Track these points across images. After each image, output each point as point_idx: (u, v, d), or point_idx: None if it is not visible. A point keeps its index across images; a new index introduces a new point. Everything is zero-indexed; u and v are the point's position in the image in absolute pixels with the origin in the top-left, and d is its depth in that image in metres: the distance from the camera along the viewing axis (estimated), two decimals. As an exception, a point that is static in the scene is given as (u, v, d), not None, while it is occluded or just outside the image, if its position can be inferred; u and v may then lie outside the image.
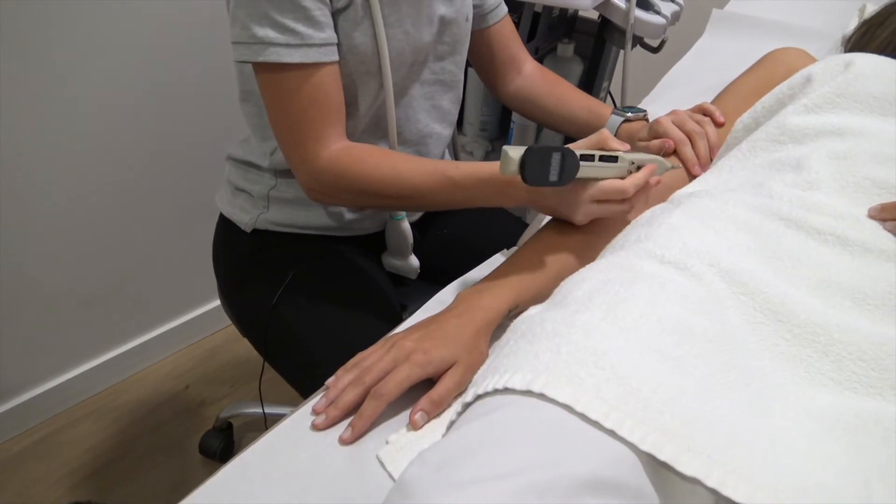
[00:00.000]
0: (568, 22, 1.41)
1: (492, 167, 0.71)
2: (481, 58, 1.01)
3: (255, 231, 0.93)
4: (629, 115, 0.92)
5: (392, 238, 0.93)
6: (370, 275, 0.93)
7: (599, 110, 0.95)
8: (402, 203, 0.81)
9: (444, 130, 0.95)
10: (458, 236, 1.07)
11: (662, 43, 1.27)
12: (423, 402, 0.58)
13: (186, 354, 1.67)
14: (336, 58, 0.74)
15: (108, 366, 1.55)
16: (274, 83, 0.73)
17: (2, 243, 1.26)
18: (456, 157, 1.37)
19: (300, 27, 0.70)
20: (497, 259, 0.82)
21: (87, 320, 1.47)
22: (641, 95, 1.15)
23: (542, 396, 0.42)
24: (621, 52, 1.28)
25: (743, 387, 0.47)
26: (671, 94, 1.08)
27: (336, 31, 0.74)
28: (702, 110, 0.85)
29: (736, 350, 0.49)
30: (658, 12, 1.20)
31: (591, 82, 1.43)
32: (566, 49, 1.39)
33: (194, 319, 1.68)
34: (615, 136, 0.90)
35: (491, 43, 0.99)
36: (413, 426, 0.57)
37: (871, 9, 1.00)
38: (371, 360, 0.60)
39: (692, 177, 0.80)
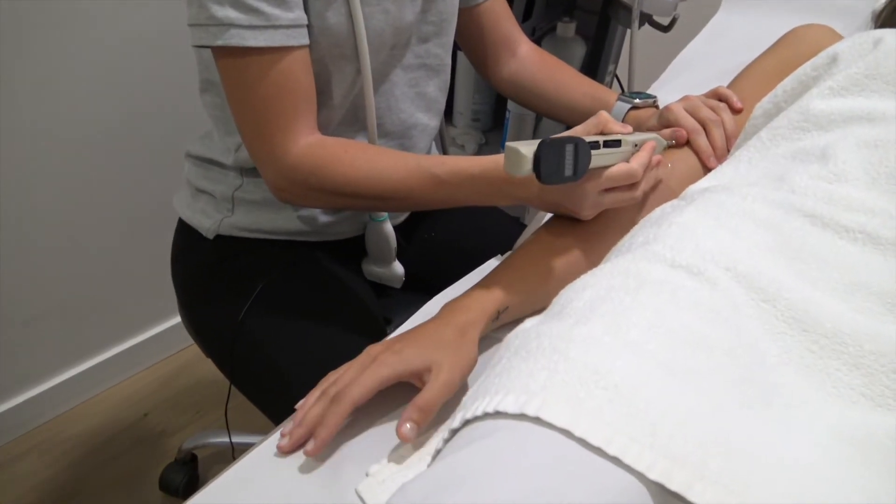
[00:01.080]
0: (569, -3, 1.41)
1: (483, 162, 0.71)
2: (471, 39, 1.01)
3: (219, 237, 0.92)
4: (637, 101, 0.92)
5: (373, 243, 0.93)
6: (349, 285, 0.93)
7: (604, 97, 0.96)
8: (382, 204, 0.81)
9: (431, 121, 0.95)
10: (448, 240, 1.07)
11: (674, 21, 1.27)
12: (410, 410, 0.57)
13: (144, 378, 1.66)
14: (306, 41, 0.74)
15: (55, 392, 1.54)
16: (236, 69, 0.73)
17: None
18: (444, 151, 1.38)
19: (264, 6, 0.70)
20: (490, 265, 0.82)
21: (30, 342, 1.46)
22: (651, 79, 1.15)
23: (537, 420, 0.42)
24: (628, 31, 1.28)
25: (763, 406, 0.47)
26: (683, 79, 1.09)
27: (307, 11, 0.74)
28: (717, 95, 0.85)
29: (755, 364, 0.49)
30: (668, -14, 1.20)
31: (594, 66, 1.43)
32: (567, 29, 1.39)
33: (152, 338, 1.67)
34: (623, 122, 0.91)
35: (481, 22, 0.99)
36: (403, 439, 0.57)
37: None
38: (337, 374, 0.61)
39: (707, 169, 0.80)
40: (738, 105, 0.83)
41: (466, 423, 0.45)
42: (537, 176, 0.61)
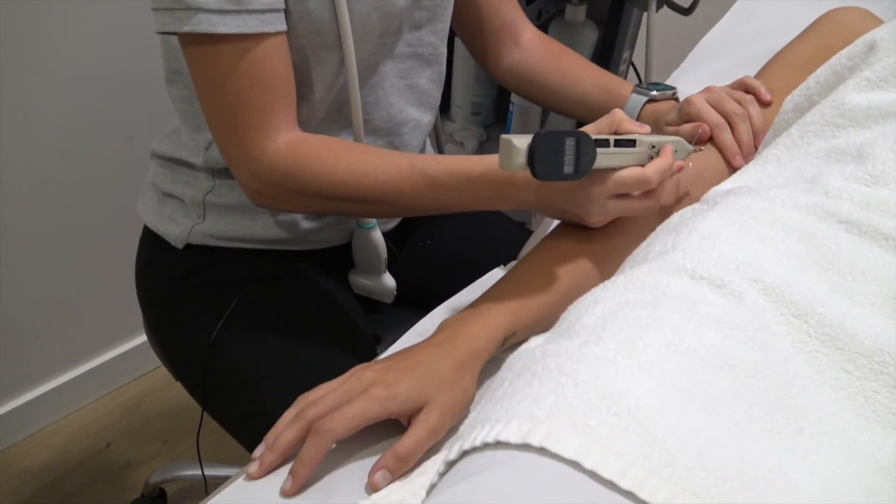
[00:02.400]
0: (577, -23, 1.43)
1: (482, 161, 0.71)
2: (469, 26, 1.03)
3: (189, 246, 0.93)
4: (654, 93, 0.93)
5: (361, 252, 0.94)
6: (334, 299, 0.94)
7: (617, 89, 0.97)
8: (370, 208, 0.82)
9: (424, 116, 0.97)
10: (446, 248, 1.08)
11: (696, 2, 1.30)
12: (387, 457, 0.58)
13: (105, 404, 1.67)
14: (283, 27, 0.75)
15: (4, 422, 1.55)
16: (205, 59, 0.74)
17: None
18: (440, 149, 1.39)
19: None
20: (494, 276, 0.83)
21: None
22: (670, 68, 1.17)
23: (542, 451, 0.43)
24: (645, 15, 1.30)
25: (794, 433, 0.47)
26: (705, 68, 1.10)
27: None
28: (743, 86, 0.86)
29: (785, 387, 0.50)
30: (689, -35, 1.22)
31: (608, 53, 1.46)
32: (576, 12, 1.42)
33: (114, 360, 1.68)
34: (638, 118, 0.92)
35: (480, 7, 1.00)
36: (372, 488, 0.58)
37: (951, -43, 1.03)
38: (319, 393, 0.61)
39: (732, 169, 0.81)
40: (767, 97, 0.84)
41: (464, 454, 0.46)
42: (532, 171, 0.62)
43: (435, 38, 0.93)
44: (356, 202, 0.78)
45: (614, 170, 0.68)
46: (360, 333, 0.93)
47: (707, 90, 0.86)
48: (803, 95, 0.81)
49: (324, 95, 0.84)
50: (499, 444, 0.45)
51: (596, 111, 0.97)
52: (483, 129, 1.61)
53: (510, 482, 0.42)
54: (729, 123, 0.82)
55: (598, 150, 0.65)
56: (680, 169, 0.73)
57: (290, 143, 0.77)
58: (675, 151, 0.73)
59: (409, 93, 0.93)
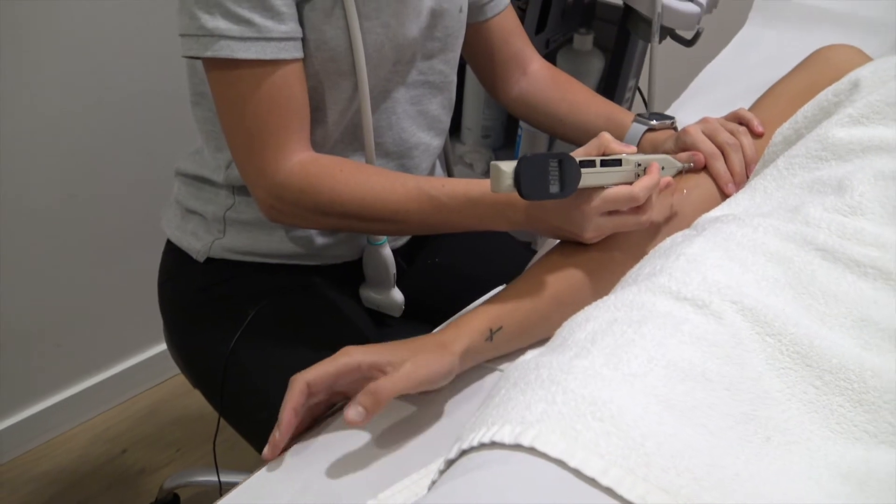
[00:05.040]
0: (586, 8, 1.48)
1: (483, 185, 0.77)
2: (479, 56, 1.08)
3: (210, 260, 0.98)
4: (654, 122, 0.98)
5: (371, 267, 0.98)
6: (345, 313, 0.99)
7: (619, 118, 1.02)
8: (378, 227, 0.87)
9: (433, 140, 1.02)
10: (453, 266, 1.12)
11: (697, 35, 1.34)
12: (361, 394, 0.64)
13: (123, 412, 1.72)
14: (300, 54, 0.81)
15: (24, 427, 1.60)
16: (226, 82, 0.79)
17: None
18: (450, 170, 1.43)
19: (257, 18, 0.76)
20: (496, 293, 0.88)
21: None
22: (673, 97, 1.22)
23: (532, 451, 0.48)
24: (649, 45, 1.35)
25: (762, 441, 0.52)
26: (705, 98, 1.15)
27: (302, 23, 0.81)
28: (737, 118, 0.91)
29: (757, 399, 0.55)
30: (691, -1, 1.27)
31: (614, 80, 1.50)
32: (584, 41, 1.46)
33: (132, 368, 1.73)
34: (638, 146, 0.97)
35: (490, 38, 1.06)
36: (348, 422, 0.63)
37: (942, -4, 1.08)
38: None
39: (725, 196, 0.86)
40: (759, 129, 0.89)
41: (462, 453, 0.51)
42: (519, 192, 0.67)
43: (446, 67, 0.98)
44: (365, 220, 0.83)
45: (603, 188, 0.73)
46: (370, 344, 0.97)
47: (703, 121, 0.91)
48: (791, 129, 0.86)
49: (338, 119, 0.90)
50: (494, 445, 0.50)
51: (585, 137, 1.02)
52: (492, 151, 1.65)
53: (502, 478, 0.47)
54: (722, 153, 0.87)
55: (584, 170, 0.70)
56: (668, 185, 0.78)
57: (303, 163, 0.82)
58: (662, 168, 0.78)
59: (420, 118, 0.98)
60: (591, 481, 0.46)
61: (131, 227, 1.56)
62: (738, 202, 0.81)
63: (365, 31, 0.84)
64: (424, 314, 1.02)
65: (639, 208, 0.75)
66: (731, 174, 0.86)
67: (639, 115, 1.00)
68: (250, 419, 0.94)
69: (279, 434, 0.68)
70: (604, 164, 0.72)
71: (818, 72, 0.92)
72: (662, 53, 1.34)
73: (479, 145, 1.63)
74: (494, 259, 1.13)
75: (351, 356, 0.67)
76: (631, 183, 0.74)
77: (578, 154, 0.73)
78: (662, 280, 0.63)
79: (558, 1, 1.39)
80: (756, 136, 0.89)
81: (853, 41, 1.00)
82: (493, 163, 0.68)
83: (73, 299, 1.57)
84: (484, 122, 1.60)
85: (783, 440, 0.53)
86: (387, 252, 0.97)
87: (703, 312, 0.60)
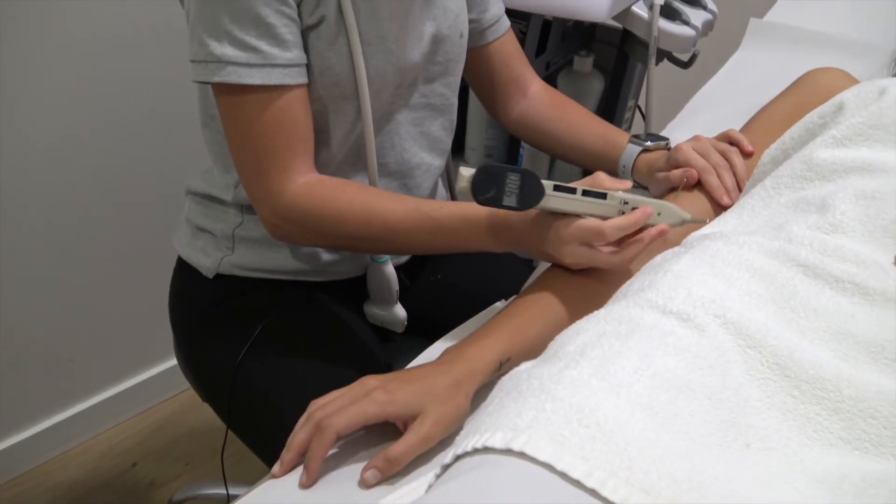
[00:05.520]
0: (585, 31, 1.52)
1: (479, 207, 0.80)
2: (480, 78, 1.12)
3: (219, 276, 1.02)
4: (648, 143, 1.02)
5: (374, 284, 1.02)
6: (350, 328, 1.02)
7: (615, 139, 1.05)
8: (378, 245, 0.91)
9: (435, 160, 1.05)
10: (455, 283, 1.16)
11: (694, 57, 1.38)
12: (379, 458, 0.66)
13: (132, 426, 1.75)
14: (304, 80, 0.85)
15: (35, 441, 1.63)
16: (234, 106, 0.84)
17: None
18: (451, 190, 1.47)
19: (263, 45, 0.80)
20: (496, 309, 0.91)
21: (10, 387, 1.55)
22: (670, 117, 1.25)
23: (522, 455, 0.51)
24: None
25: (741, 447, 0.55)
26: (701, 118, 1.19)
27: (307, 50, 0.85)
28: (728, 138, 0.94)
29: (738, 408, 0.58)
30: (686, 22, 1.32)
31: (613, 101, 1.54)
32: (584, 63, 1.50)
33: (142, 384, 1.77)
34: (633, 167, 1.00)
35: (491, 62, 1.10)
36: (363, 484, 0.65)
37: (929, 19, 1.11)
38: (328, 399, 0.70)
39: (720, 209, 0.89)
40: (749, 148, 0.92)
41: (457, 458, 0.54)
42: (474, 196, 0.72)
43: (447, 90, 1.01)
44: (365, 240, 0.87)
45: (578, 216, 0.75)
46: (374, 359, 1.00)
47: (695, 139, 0.94)
48: (779, 149, 0.89)
49: (342, 141, 0.93)
50: (486, 450, 0.53)
51: (595, 159, 1.05)
52: (495, 170, 1.69)
53: (494, 480, 0.50)
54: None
55: (560, 194, 0.73)
56: (660, 232, 0.76)
57: (307, 184, 0.86)
58: (659, 214, 0.77)
59: (421, 139, 1.02)
60: (577, 483, 0.49)
61: (143, 245, 1.60)
62: (726, 220, 0.84)
63: (367, 56, 0.87)
64: (427, 330, 1.04)
65: (617, 248, 0.76)
66: (725, 190, 0.89)
67: (634, 135, 1.04)
68: (258, 432, 0.97)
69: (290, 456, 0.70)
70: (586, 193, 0.74)
71: (807, 94, 0.95)
72: (661, 74, 1.38)
73: (482, 164, 1.67)
74: (495, 275, 1.16)
75: (374, 402, 0.68)
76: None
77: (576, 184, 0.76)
78: (650, 295, 0.66)
79: (558, 24, 1.43)
80: (746, 155, 0.92)
81: (843, 63, 1.04)
82: (460, 167, 0.73)
83: (85, 315, 1.61)
84: (486, 141, 1.63)
85: (762, 446, 0.56)
86: (389, 269, 1.00)
87: (687, 325, 0.63)
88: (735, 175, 0.90)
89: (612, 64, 1.52)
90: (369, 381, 0.71)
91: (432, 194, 1.11)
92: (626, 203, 0.75)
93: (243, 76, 0.81)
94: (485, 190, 0.72)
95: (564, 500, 0.49)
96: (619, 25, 1.37)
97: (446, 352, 0.76)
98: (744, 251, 0.71)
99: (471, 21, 1.04)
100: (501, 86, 1.12)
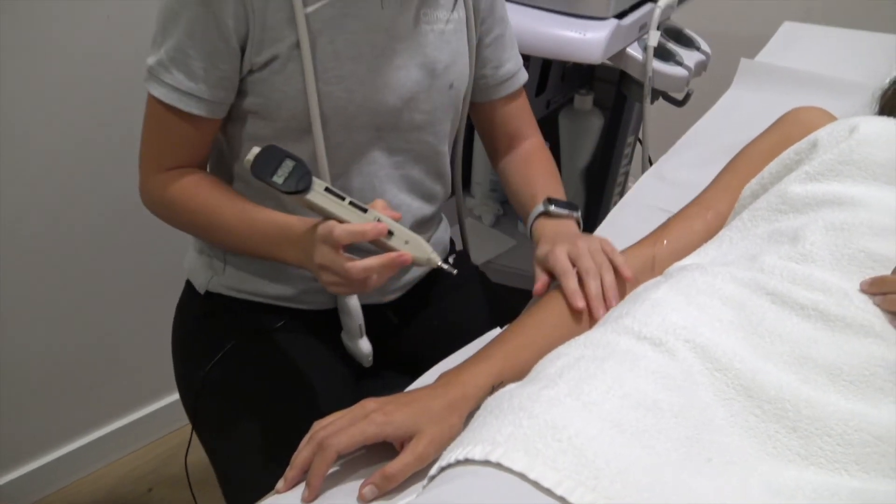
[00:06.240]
0: (585, 70, 1.59)
1: (287, 217, 0.87)
2: (480, 125, 1.17)
3: (209, 294, 1.08)
4: (551, 208, 1.00)
5: (343, 315, 1.04)
6: (321, 356, 1.05)
7: (538, 197, 1.03)
8: (213, 237, 1.00)
9: (415, 202, 1.07)
10: (452, 323, 1.16)
11: (688, 96, 1.44)
12: (377, 475, 0.70)
13: (149, 452, 1.80)
14: (201, 112, 0.92)
15: (52, 468, 1.68)
16: (148, 104, 0.94)
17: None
18: (461, 221, 1.53)
19: (174, 70, 0.89)
20: (493, 335, 0.96)
21: (28, 414, 1.59)
22: (665, 151, 1.31)
23: (499, 466, 0.56)
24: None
25: (704, 461, 0.60)
26: (692, 152, 1.24)
27: (262, 85, 0.92)
28: (609, 255, 0.89)
29: (703, 425, 0.63)
30: (680, 63, 1.38)
31: (613, 137, 1.60)
32: (584, 101, 1.57)
33: (158, 411, 1.82)
34: (531, 227, 1.01)
35: (492, 116, 1.14)
36: (362, 500, 0.69)
37: (912, 59, 1.17)
38: (330, 419, 0.74)
39: (574, 311, 0.85)
40: (627, 274, 0.87)
41: (441, 469, 0.59)
42: (251, 169, 0.78)
43: (433, 139, 1.04)
44: (202, 231, 0.98)
45: (334, 218, 0.80)
46: (334, 387, 1.04)
47: (573, 244, 0.89)
48: (758, 184, 0.94)
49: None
50: (468, 461, 0.58)
51: (523, 214, 1.06)
52: (500, 204, 1.75)
53: (472, 487, 0.56)
54: (581, 276, 0.86)
55: (323, 192, 0.79)
56: (402, 258, 0.79)
57: (172, 176, 0.95)
58: (406, 243, 0.81)
59: (402, 182, 1.04)
60: (548, 491, 0.54)
61: (157, 274, 1.63)
62: (706, 252, 0.89)
63: (324, 94, 0.92)
64: (404, 367, 1.07)
65: (347, 272, 0.79)
66: (588, 297, 0.84)
67: (550, 199, 1.01)
68: (217, 450, 1.01)
69: (293, 473, 0.73)
70: (352, 203, 0.80)
71: (788, 131, 1.00)
72: (657, 111, 1.44)
73: (487, 198, 1.73)
74: (490, 309, 1.19)
75: (373, 423, 0.72)
76: None
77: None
78: (627, 321, 0.72)
79: (557, 64, 1.50)
80: (622, 279, 0.87)
81: (829, 101, 1.09)
82: (253, 146, 0.80)
83: (102, 343, 1.66)
84: (492, 176, 1.70)
85: (723, 460, 0.61)
86: (353, 303, 1.01)
87: (659, 350, 0.68)
88: (603, 288, 0.86)
89: (612, 101, 1.58)
90: (369, 404, 0.75)
91: (435, 234, 1.15)
92: (379, 220, 0.80)
93: (152, 86, 0.91)
94: (261, 164, 0.78)
95: (535, 505, 0.54)
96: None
97: (442, 375, 0.80)
98: (717, 281, 0.76)
99: (482, 76, 1.08)
100: (497, 138, 1.16)
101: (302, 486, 0.74)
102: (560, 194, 1.06)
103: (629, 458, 0.57)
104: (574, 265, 0.87)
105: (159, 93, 0.91)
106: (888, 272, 0.74)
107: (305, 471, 0.73)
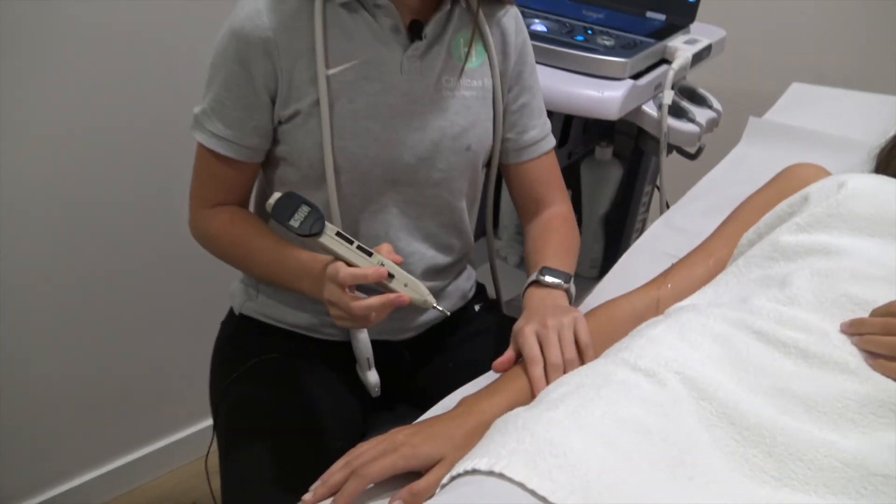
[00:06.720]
0: (605, 124, 1.65)
1: (313, 256, 0.93)
2: (510, 186, 1.18)
3: (242, 316, 1.15)
4: (543, 278, 1.02)
5: (354, 347, 1.07)
6: (334, 385, 1.09)
7: (538, 266, 1.05)
8: (248, 267, 1.09)
9: (430, 252, 1.10)
10: (466, 364, 1.12)
11: (700, 150, 1.49)
12: (404, 491, 0.75)
13: (193, 468, 1.86)
14: (236, 155, 1.00)
15: (106, 479, 1.76)
16: (197, 145, 1.03)
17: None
18: (491, 262, 1.58)
19: (215, 118, 0.98)
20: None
21: (83, 429, 1.68)
22: (678, 199, 1.36)
23: (502, 476, 0.62)
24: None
25: (686, 480, 0.65)
26: (699, 203, 1.29)
27: (287, 136, 0.99)
28: (582, 337, 0.89)
29: (687, 448, 0.68)
30: (692, 120, 1.44)
31: (630, 186, 1.66)
32: (604, 152, 1.63)
33: (204, 430, 1.89)
34: (524, 293, 1.04)
35: (518, 179, 1.15)
36: None
37: (908, 120, 1.21)
38: (363, 449, 0.79)
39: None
40: (589, 360, 0.86)
41: (452, 479, 0.65)
42: (270, 212, 0.86)
43: (449, 196, 1.07)
44: (238, 261, 1.06)
45: (342, 259, 0.86)
46: (344, 414, 1.08)
47: (544, 325, 0.89)
48: (755, 233, 0.99)
49: (326, 215, 0.96)
50: (475, 472, 0.64)
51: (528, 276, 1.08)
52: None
53: (478, 492, 0.61)
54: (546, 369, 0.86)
55: (334, 237, 0.86)
56: (400, 299, 0.85)
57: (216, 211, 1.04)
58: (406, 286, 0.86)
59: (416, 231, 1.08)
60: (543, 499, 0.60)
61: (201, 299, 1.67)
62: (704, 294, 0.94)
63: (339, 148, 0.97)
64: (415, 401, 1.10)
65: (346, 307, 0.85)
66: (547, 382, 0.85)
67: (546, 268, 1.03)
68: (225, 458, 1.05)
69: (322, 490, 0.77)
70: (360, 247, 0.86)
71: (784, 185, 1.04)
72: (671, 163, 1.50)
73: (513, 241, 1.79)
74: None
75: (403, 457, 0.76)
76: None
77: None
78: (624, 355, 0.77)
79: (579, 119, 1.57)
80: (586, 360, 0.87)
81: (829, 158, 1.14)
82: (274, 191, 0.87)
83: (154, 366, 1.74)
84: (517, 220, 1.75)
85: (703, 480, 0.66)
86: (363, 336, 1.05)
87: (651, 380, 0.73)
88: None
89: (630, 153, 1.64)
90: (398, 437, 0.78)
91: (453, 283, 1.18)
92: (382, 265, 0.86)
93: (197, 132, 1.01)
94: (280, 209, 0.85)
95: (531, 511, 0.59)
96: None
97: (462, 402, 0.85)
98: (709, 320, 0.81)
99: (507, 139, 1.11)
100: (523, 200, 1.18)
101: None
102: (567, 266, 1.06)
103: (617, 474, 0.63)
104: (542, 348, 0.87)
105: (202, 138, 1.00)
106: (867, 315, 0.79)
107: (334, 491, 0.77)
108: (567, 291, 1.02)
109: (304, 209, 0.86)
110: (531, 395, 0.84)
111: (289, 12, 0.95)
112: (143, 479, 1.83)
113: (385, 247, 0.88)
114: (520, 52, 1.10)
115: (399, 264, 0.87)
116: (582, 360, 0.87)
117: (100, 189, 1.52)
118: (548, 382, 0.84)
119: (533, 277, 1.02)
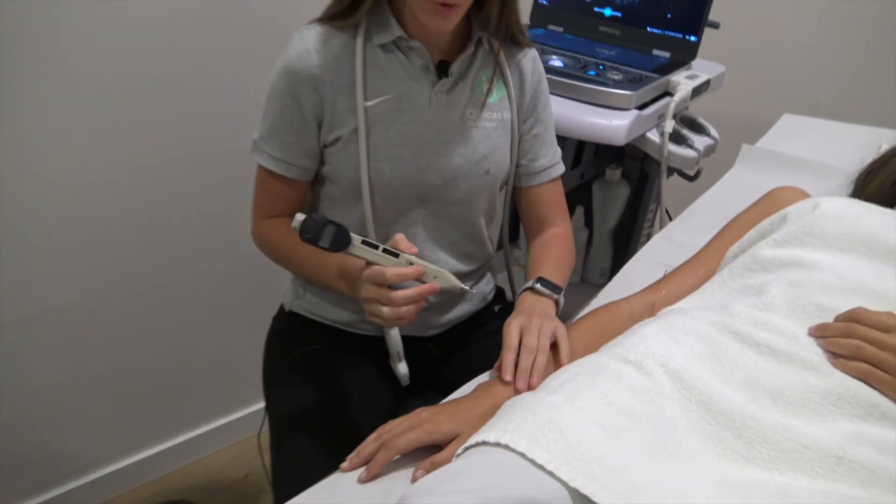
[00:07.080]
0: (615, 148, 1.69)
1: (351, 261, 0.93)
2: (519, 206, 1.19)
3: (291, 312, 1.21)
4: (537, 286, 1.03)
5: (387, 341, 1.08)
6: (368, 374, 1.13)
7: (535, 275, 1.06)
8: (296, 268, 1.13)
9: (452, 260, 1.13)
10: (489, 359, 1.14)
11: (698, 173, 1.52)
12: (427, 462, 0.80)
13: (248, 444, 1.93)
14: (290, 174, 1.05)
15: (177, 450, 1.84)
16: (257, 165, 1.08)
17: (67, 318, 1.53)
18: (509, 270, 1.63)
19: (271, 142, 1.03)
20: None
21: (154, 404, 1.75)
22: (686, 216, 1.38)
23: (506, 447, 0.66)
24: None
25: (666, 456, 0.69)
26: (695, 220, 1.32)
27: (330, 158, 1.05)
28: (560, 342, 0.91)
29: (668, 430, 0.71)
30: (691, 146, 1.47)
31: (637, 205, 1.69)
32: (614, 174, 1.67)
33: (259, 410, 1.94)
34: (518, 296, 1.06)
35: (526, 200, 1.18)
36: (414, 480, 0.79)
37: (885, 147, 1.23)
38: (392, 425, 0.84)
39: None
40: (564, 362, 0.89)
41: (465, 449, 0.70)
42: (300, 235, 0.86)
43: (470, 213, 1.10)
44: (289, 263, 1.10)
45: (373, 264, 0.88)
46: (376, 400, 1.12)
47: (529, 320, 0.92)
48: (739, 247, 1.02)
49: (358, 231, 0.95)
50: (485, 444, 0.69)
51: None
52: (542, 255, 1.84)
53: (485, 460, 0.66)
54: (521, 349, 0.89)
55: (365, 247, 0.88)
56: (433, 288, 0.89)
57: (273, 222, 1.09)
58: (435, 278, 0.90)
59: (440, 242, 1.11)
60: (541, 466, 0.64)
61: (248, 296, 1.74)
62: (692, 299, 0.97)
63: (374, 170, 1.02)
64: (443, 389, 1.10)
65: (392, 299, 0.88)
66: (518, 369, 0.87)
67: (540, 278, 1.04)
68: (274, 439, 1.09)
69: (357, 460, 0.82)
70: (385, 250, 0.88)
71: (768, 205, 1.07)
72: (672, 184, 1.53)
73: (531, 250, 1.83)
74: None
75: (426, 432, 0.81)
76: None
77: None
78: (618, 349, 0.81)
79: (591, 144, 1.61)
80: (557, 365, 0.89)
81: (813, 182, 1.17)
82: (296, 213, 0.87)
83: (207, 355, 1.80)
84: (536, 232, 1.79)
85: (681, 457, 0.70)
86: (394, 332, 1.07)
87: (640, 371, 0.77)
88: (534, 364, 0.88)
89: (637, 174, 1.68)
90: (422, 415, 0.83)
91: (470, 286, 1.18)
92: (411, 263, 0.89)
93: (256, 154, 1.06)
94: (307, 232, 0.86)
95: (531, 476, 0.64)
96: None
97: (479, 387, 0.90)
98: (694, 322, 0.85)
99: (519, 164, 1.13)
100: (529, 218, 1.19)
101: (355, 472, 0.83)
102: (560, 279, 1.07)
103: (607, 449, 0.67)
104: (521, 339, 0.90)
105: (260, 159, 1.06)
106: (830, 321, 0.82)
107: (367, 461, 0.82)
108: (556, 302, 1.02)
109: (330, 229, 0.86)
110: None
111: (333, 51, 1.01)
112: (205, 453, 1.90)
113: (400, 237, 0.90)
114: (535, 89, 1.13)
115: (414, 254, 0.90)
116: (557, 359, 0.89)
117: (176, 203, 1.60)
118: (520, 363, 0.87)
119: (528, 284, 1.04)
